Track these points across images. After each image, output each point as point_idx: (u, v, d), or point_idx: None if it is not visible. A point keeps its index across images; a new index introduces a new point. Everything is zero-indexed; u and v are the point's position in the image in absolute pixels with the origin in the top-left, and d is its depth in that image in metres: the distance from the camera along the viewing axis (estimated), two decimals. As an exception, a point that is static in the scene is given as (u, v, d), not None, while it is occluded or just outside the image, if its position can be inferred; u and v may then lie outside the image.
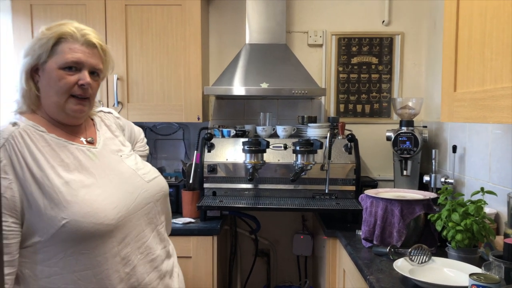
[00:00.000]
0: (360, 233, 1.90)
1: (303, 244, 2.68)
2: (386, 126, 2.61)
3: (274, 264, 2.83)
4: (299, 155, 2.16)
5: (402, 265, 1.46)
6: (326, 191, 2.24)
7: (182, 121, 2.49)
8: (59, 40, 1.14)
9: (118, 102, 2.38)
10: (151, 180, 1.27)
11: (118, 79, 2.36)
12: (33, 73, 1.16)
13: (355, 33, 2.75)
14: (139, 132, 1.51)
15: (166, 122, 2.69)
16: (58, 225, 1.04)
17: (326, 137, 2.27)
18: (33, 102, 1.16)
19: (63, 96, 1.14)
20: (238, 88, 2.34)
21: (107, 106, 2.38)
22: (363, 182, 2.45)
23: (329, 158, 2.20)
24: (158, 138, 2.75)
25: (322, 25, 2.75)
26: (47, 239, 1.05)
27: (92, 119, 1.31)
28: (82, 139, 1.22)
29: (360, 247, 1.82)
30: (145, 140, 1.54)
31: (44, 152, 1.10)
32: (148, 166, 1.33)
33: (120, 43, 2.36)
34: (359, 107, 2.79)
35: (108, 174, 1.17)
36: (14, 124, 1.11)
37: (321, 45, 2.75)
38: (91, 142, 1.23)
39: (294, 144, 2.19)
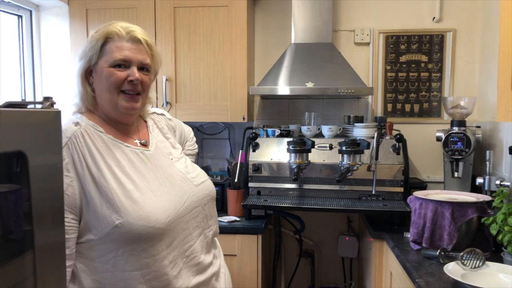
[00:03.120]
0: (408, 236, 1.85)
1: (349, 246, 2.65)
2: (436, 126, 2.52)
3: (318, 265, 2.81)
4: (345, 155, 2.13)
5: (453, 269, 1.41)
6: (373, 192, 2.20)
7: (228, 121, 2.52)
8: (106, 40, 1.18)
9: (167, 103, 2.45)
10: (200, 184, 1.28)
11: (166, 80, 2.43)
12: (87, 75, 1.21)
13: (404, 30, 2.68)
14: (189, 131, 1.54)
15: (212, 122, 2.74)
16: (111, 225, 1.08)
17: (373, 137, 2.23)
18: (91, 103, 1.21)
19: (114, 92, 1.18)
20: (283, 87, 2.34)
21: (156, 107, 2.46)
22: (412, 183, 2.38)
23: (376, 158, 2.16)
24: (204, 138, 2.81)
25: (369, 23, 2.70)
26: (101, 238, 1.09)
27: (146, 121, 1.34)
28: (137, 141, 1.25)
29: (408, 249, 1.77)
30: (195, 139, 1.57)
31: (102, 152, 1.15)
32: (197, 169, 1.35)
33: (169, 45, 2.43)
34: (407, 107, 2.71)
35: (159, 177, 1.20)
36: (76, 123, 1.16)
37: (368, 44, 2.70)
38: (145, 145, 1.26)
39: (340, 144, 2.17)
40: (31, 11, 2.53)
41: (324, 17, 2.53)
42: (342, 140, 2.20)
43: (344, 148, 2.13)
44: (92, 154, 1.13)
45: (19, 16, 2.48)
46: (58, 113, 0.73)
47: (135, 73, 1.18)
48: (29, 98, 2.54)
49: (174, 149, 1.33)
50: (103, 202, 1.09)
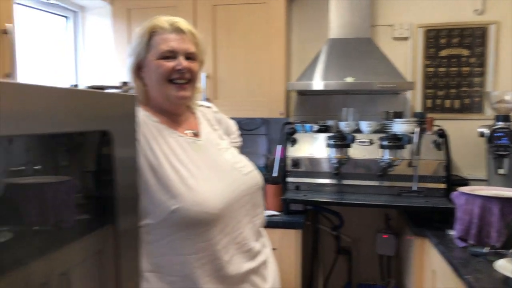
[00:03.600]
0: (452, 233, 1.81)
1: (387, 244, 2.61)
2: (477, 122, 2.45)
3: (355, 262, 2.79)
4: (386, 150, 2.11)
5: (504, 266, 1.38)
6: (415, 188, 2.17)
7: (265, 117, 2.54)
8: (152, 34, 1.22)
9: (207, 99, 2.48)
10: (248, 174, 1.31)
11: (206, 76, 2.47)
12: (138, 70, 1.25)
13: (444, 24, 2.62)
14: (233, 125, 1.57)
15: (249, 118, 2.76)
16: (168, 210, 1.11)
17: (412, 133, 2.20)
18: (143, 97, 1.26)
19: (163, 82, 1.22)
20: (322, 83, 2.33)
21: (196, 103, 2.50)
22: (452, 180, 2.33)
23: (418, 154, 2.13)
24: (241, 133, 2.82)
25: (408, 18, 2.66)
26: (158, 222, 1.13)
27: (194, 113, 1.38)
28: (188, 131, 1.29)
29: (452, 246, 1.74)
30: (239, 132, 1.60)
31: (158, 140, 1.19)
32: (244, 159, 1.37)
33: (208, 43, 2.46)
34: (447, 102, 2.65)
35: (210, 166, 1.23)
36: None
37: (406, 38, 2.66)
38: (196, 135, 1.30)
39: (381, 139, 2.15)
40: (77, 12, 2.62)
41: (362, 12, 2.51)
42: (382, 135, 2.17)
43: (385, 143, 2.11)
44: (149, 143, 1.17)
45: (66, 17, 2.58)
46: (134, 97, 0.76)
47: (182, 62, 1.22)
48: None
49: (221, 140, 1.37)
50: (160, 188, 1.13)
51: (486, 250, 1.55)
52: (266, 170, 2.48)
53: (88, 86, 0.71)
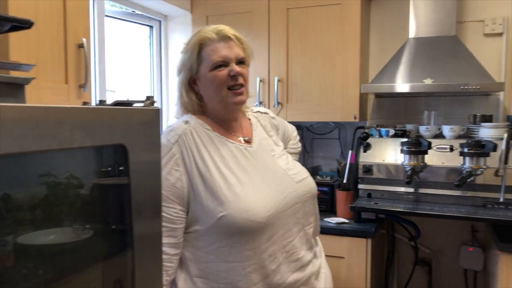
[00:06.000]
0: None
1: (472, 257, 2.40)
2: None
3: (436, 275, 2.60)
4: (467, 158, 1.95)
5: None
6: (501, 200, 1.96)
7: (338, 120, 2.48)
8: (201, 46, 1.24)
9: (278, 103, 2.50)
10: (301, 181, 1.29)
11: (278, 80, 2.49)
12: (192, 84, 1.29)
13: (546, 17, 2.33)
14: (292, 130, 1.55)
15: (322, 122, 2.72)
16: (215, 217, 1.13)
17: (502, 139, 1.99)
18: (196, 110, 1.29)
19: (221, 90, 1.23)
20: (398, 85, 2.22)
21: (268, 107, 2.52)
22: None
23: (506, 162, 1.93)
24: (314, 137, 2.80)
25: (502, 11, 2.41)
26: (206, 229, 1.16)
27: (250, 119, 1.39)
28: (241, 138, 1.30)
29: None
30: (298, 137, 1.57)
31: (208, 148, 1.22)
32: (298, 166, 1.35)
33: (281, 47, 2.47)
34: (549, 104, 2.36)
35: (261, 173, 1.23)
36: (186, 122, 1.25)
37: (500, 34, 2.42)
38: (248, 141, 1.31)
39: (461, 145, 1.98)
40: (160, 21, 2.80)
41: (448, 8, 2.34)
42: (462, 141, 2.01)
43: (466, 150, 1.94)
44: (199, 150, 1.20)
45: (150, 27, 2.76)
46: (157, 111, 0.79)
47: (235, 67, 1.23)
48: (157, 99, 2.80)
49: (276, 146, 1.36)
50: (208, 195, 1.15)
51: None
52: (338, 175, 2.43)
53: (113, 102, 0.76)
